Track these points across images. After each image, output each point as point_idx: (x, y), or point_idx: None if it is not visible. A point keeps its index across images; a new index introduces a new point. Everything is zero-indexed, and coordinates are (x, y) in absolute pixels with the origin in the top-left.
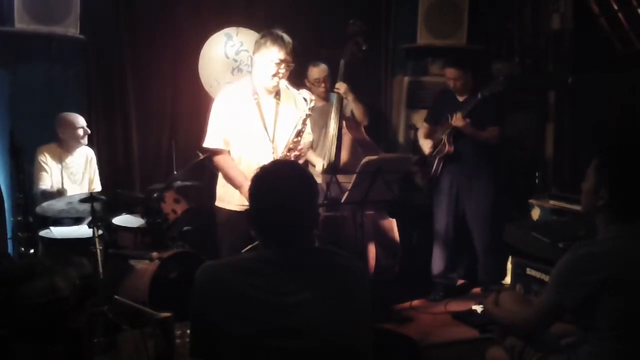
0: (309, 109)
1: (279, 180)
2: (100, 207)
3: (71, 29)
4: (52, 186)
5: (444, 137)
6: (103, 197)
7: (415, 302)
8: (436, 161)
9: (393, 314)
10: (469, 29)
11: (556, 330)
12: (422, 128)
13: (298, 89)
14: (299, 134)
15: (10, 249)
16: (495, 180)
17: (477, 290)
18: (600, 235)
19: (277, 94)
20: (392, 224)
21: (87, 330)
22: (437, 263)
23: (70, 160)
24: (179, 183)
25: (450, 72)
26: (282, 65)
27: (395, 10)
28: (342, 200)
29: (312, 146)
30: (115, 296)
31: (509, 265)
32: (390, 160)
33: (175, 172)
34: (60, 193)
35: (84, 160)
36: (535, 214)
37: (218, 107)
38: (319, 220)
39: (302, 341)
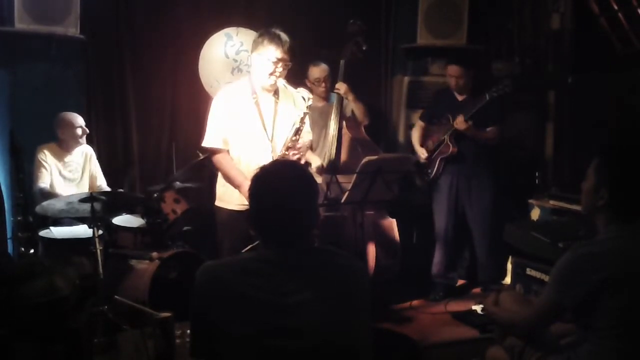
0: (307, 107)
1: (279, 180)
2: (100, 207)
3: (71, 29)
4: (50, 185)
5: (446, 138)
6: (103, 197)
7: (415, 302)
8: (437, 162)
9: (393, 314)
10: (469, 29)
11: (556, 330)
12: (417, 126)
13: (296, 88)
14: (298, 132)
15: (10, 249)
16: (495, 180)
17: (477, 290)
18: (600, 235)
19: (276, 93)
20: (392, 224)
21: (87, 330)
22: (437, 263)
23: (69, 159)
24: (179, 184)
25: (454, 69)
26: (280, 64)
27: (395, 10)
28: (342, 200)
29: (311, 146)
30: (115, 296)
31: (509, 265)
32: (390, 160)
33: (175, 172)
34: (56, 194)
35: (83, 158)
36: (535, 214)
37: (217, 106)
38: (319, 220)
39: (302, 341)
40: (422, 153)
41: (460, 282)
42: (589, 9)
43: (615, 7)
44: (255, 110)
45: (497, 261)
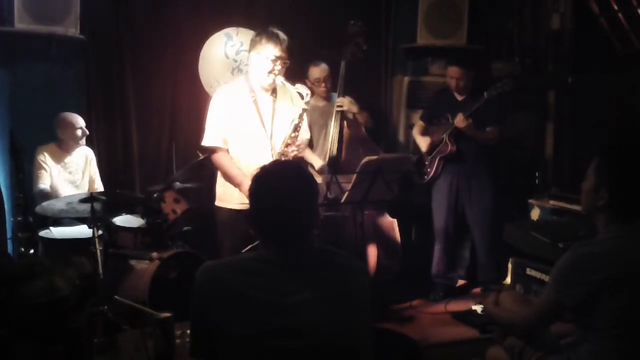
0: (306, 103)
1: (279, 180)
2: (100, 207)
3: (71, 29)
4: (51, 186)
5: (445, 137)
6: (103, 197)
7: (415, 302)
8: (437, 161)
9: (393, 314)
10: (469, 29)
11: (556, 330)
12: (417, 126)
13: (294, 84)
14: (297, 128)
15: (10, 249)
16: (495, 180)
17: (477, 290)
18: (600, 235)
19: (274, 91)
20: (392, 224)
21: (87, 330)
22: (437, 263)
23: (69, 160)
24: (178, 184)
25: (454, 70)
26: (278, 62)
27: (395, 10)
28: (342, 200)
29: (311, 145)
30: (115, 296)
31: (509, 266)
32: (390, 160)
33: (175, 172)
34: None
35: (84, 160)
36: (535, 214)
37: (215, 105)
38: (319, 220)
39: (302, 341)
40: (425, 141)
41: (460, 282)
42: (589, 9)
43: (615, 7)
44: (253, 109)
45: (497, 261)
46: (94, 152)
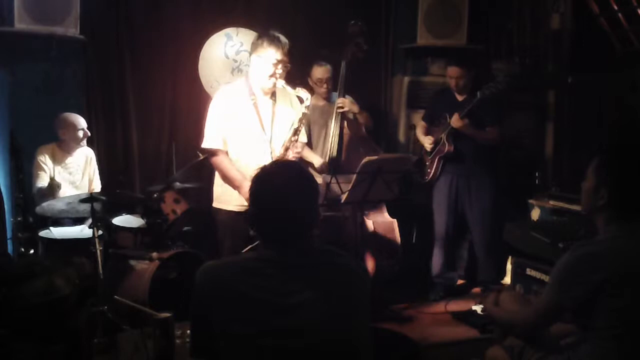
0: (306, 107)
1: (280, 181)
2: (100, 207)
3: (71, 29)
4: (49, 183)
5: (444, 137)
6: (103, 197)
7: (415, 302)
8: (436, 161)
9: (393, 314)
10: (469, 29)
11: (556, 330)
12: (419, 127)
13: (294, 88)
14: (296, 132)
15: (10, 249)
16: (495, 180)
17: (477, 290)
18: (600, 235)
19: (273, 94)
20: (392, 224)
21: (87, 330)
22: (437, 263)
23: (69, 160)
24: (178, 184)
25: (453, 70)
26: (279, 66)
27: (395, 10)
28: (342, 200)
29: (311, 144)
30: (115, 296)
31: (509, 265)
32: (390, 160)
33: (175, 172)
34: (52, 186)
35: (84, 160)
36: (535, 214)
37: (215, 107)
38: (319, 220)
39: (302, 341)
40: (428, 139)
41: (460, 282)
42: (589, 9)
43: (615, 7)
44: (253, 112)
45: (497, 261)
46: (94, 152)
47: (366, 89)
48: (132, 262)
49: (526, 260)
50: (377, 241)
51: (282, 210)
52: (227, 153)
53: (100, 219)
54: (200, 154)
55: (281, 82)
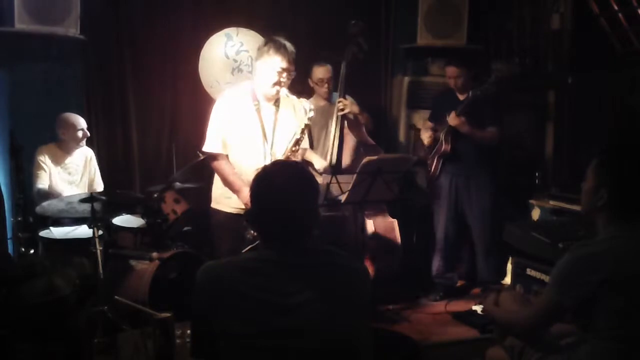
0: (309, 119)
1: (280, 180)
2: (100, 207)
3: (71, 29)
4: (49, 186)
5: (442, 136)
6: (103, 197)
7: (415, 302)
8: (435, 160)
9: (393, 314)
10: (469, 29)
11: (556, 330)
12: (425, 126)
13: (298, 97)
14: (298, 143)
15: (10, 249)
16: (495, 180)
17: (477, 290)
18: (600, 235)
19: (277, 101)
20: (392, 224)
21: (87, 330)
22: (437, 263)
23: (69, 160)
24: (179, 184)
25: (452, 70)
26: (284, 74)
27: (395, 10)
28: (342, 200)
29: (311, 144)
30: (115, 296)
31: (509, 265)
32: (390, 160)
33: (175, 173)
34: (54, 194)
35: (83, 160)
36: (535, 214)
37: (218, 111)
38: (320, 220)
39: (302, 341)
40: (427, 134)
41: (460, 282)
42: (589, 9)
43: (615, 7)
44: (256, 117)
45: (497, 261)
46: (94, 152)
47: (366, 89)
48: (132, 262)
49: (526, 260)
50: (377, 241)
51: (282, 210)
52: (227, 157)
53: (100, 219)
54: (200, 155)
55: (284, 91)
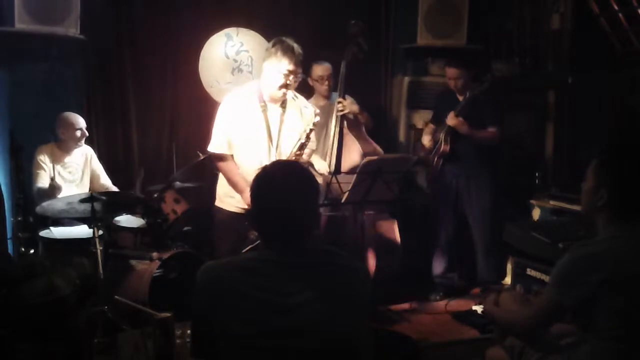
0: (314, 123)
1: (280, 180)
2: (100, 207)
3: (71, 29)
4: (49, 183)
5: (442, 137)
6: (103, 197)
7: (415, 302)
8: (435, 160)
9: (393, 314)
10: (469, 29)
11: (556, 330)
12: (427, 128)
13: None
14: (302, 147)
15: (10, 249)
16: (495, 180)
17: (477, 290)
18: (600, 235)
19: (283, 102)
20: (392, 224)
21: (87, 330)
22: (437, 263)
23: (68, 160)
24: (179, 184)
25: (451, 71)
26: (291, 77)
27: (395, 10)
28: (342, 200)
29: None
30: (115, 296)
31: (509, 265)
32: (390, 160)
33: (175, 172)
34: (53, 187)
35: (83, 159)
36: (536, 214)
37: (224, 111)
38: (320, 220)
39: (302, 341)
40: (427, 136)
41: (460, 282)
42: (589, 9)
43: (615, 7)
44: (262, 119)
45: (497, 261)
46: (95, 152)
47: (366, 89)
48: (132, 262)
49: (526, 261)
50: (377, 241)
51: (282, 210)
52: (232, 157)
53: (100, 219)
54: (200, 154)
55: (291, 94)
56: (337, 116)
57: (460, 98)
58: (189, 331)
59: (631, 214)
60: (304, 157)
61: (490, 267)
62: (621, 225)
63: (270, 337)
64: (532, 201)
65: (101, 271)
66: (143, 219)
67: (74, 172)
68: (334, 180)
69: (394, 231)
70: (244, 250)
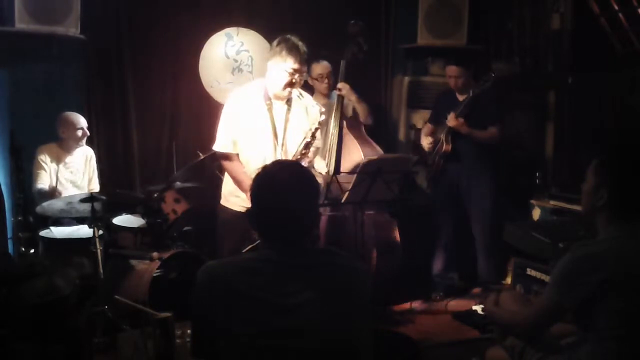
0: (319, 122)
1: (281, 180)
2: (100, 207)
3: (71, 29)
4: (50, 186)
5: (442, 137)
6: (103, 197)
7: (415, 302)
8: (436, 160)
9: (393, 314)
10: (469, 29)
11: (556, 330)
12: (425, 128)
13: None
14: (308, 146)
15: (10, 249)
16: (496, 180)
17: (477, 290)
18: (600, 235)
19: (289, 101)
20: (392, 224)
21: (87, 330)
22: (438, 263)
23: (69, 160)
24: (179, 184)
25: (452, 69)
26: (296, 76)
27: (395, 10)
28: (342, 200)
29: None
30: (115, 296)
31: (510, 265)
32: (390, 160)
33: (176, 172)
34: (54, 193)
35: (84, 160)
36: (536, 214)
37: (229, 110)
38: (320, 220)
39: (302, 341)
40: (427, 140)
41: (461, 282)
42: (589, 9)
43: (616, 7)
44: (267, 117)
45: (497, 261)
46: (94, 152)
47: (366, 89)
48: (132, 262)
49: (527, 261)
50: (377, 241)
51: (282, 210)
52: (238, 156)
53: (100, 219)
54: (200, 154)
55: (297, 92)
56: (336, 115)
57: (460, 97)
58: (189, 331)
59: (631, 214)
60: (310, 155)
61: (490, 267)
62: (621, 225)
63: (270, 337)
64: (532, 201)
65: (101, 271)
66: (143, 218)
67: (75, 172)
68: (334, 180)
69: (394, 231)
70: (244, 250)
